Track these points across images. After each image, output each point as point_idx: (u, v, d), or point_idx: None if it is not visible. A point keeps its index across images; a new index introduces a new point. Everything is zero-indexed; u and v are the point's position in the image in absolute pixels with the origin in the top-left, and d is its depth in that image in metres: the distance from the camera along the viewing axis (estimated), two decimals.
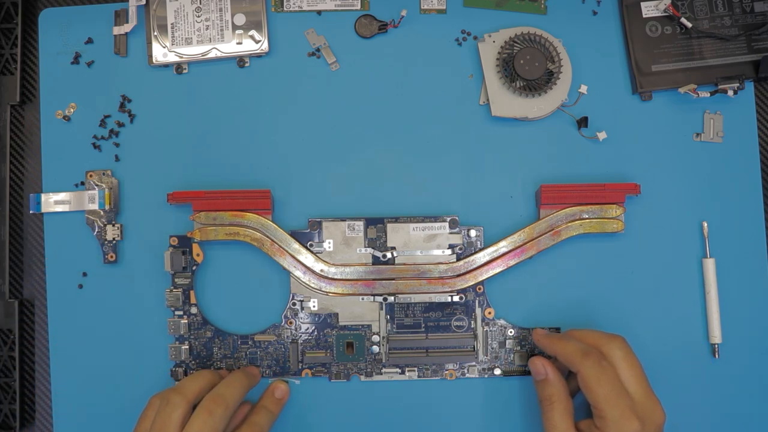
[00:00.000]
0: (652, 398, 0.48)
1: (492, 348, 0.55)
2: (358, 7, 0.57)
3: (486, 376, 0.55)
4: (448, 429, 0.55)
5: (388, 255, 0.55)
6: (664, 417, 0.48)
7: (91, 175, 0.56)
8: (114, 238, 0.55)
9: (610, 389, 0.47)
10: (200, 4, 0.56)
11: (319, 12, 0.57)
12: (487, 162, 0.57)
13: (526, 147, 0.57)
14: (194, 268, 0.55)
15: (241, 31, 0.56)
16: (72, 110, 0.56)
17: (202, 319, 0.55)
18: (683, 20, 0.56)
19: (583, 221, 0.54)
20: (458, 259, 0.55)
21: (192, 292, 0.55)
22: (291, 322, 0.55)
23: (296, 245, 0.54)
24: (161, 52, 0.56)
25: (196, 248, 0.55)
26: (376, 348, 0.55)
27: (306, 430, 0.55)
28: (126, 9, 0.56)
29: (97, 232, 0.56)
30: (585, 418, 0.50)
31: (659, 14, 0.56)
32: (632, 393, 0.48)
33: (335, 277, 0.55)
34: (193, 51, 0.56)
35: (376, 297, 0.55)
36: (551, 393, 0.50)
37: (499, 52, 0.56)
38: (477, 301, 0.55)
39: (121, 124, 0.56)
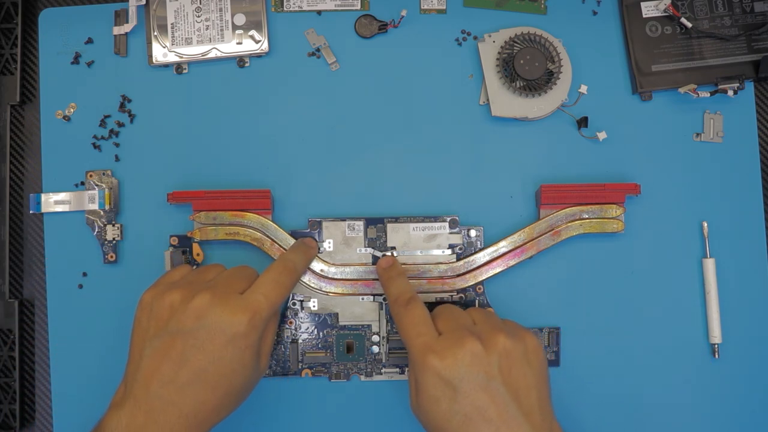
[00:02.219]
0: (456, 332, 0.45)
1: None
2: (358, 7, 0.57)
3: None
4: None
5: (388, 255, 0.55)
6: (476, 345, 0.44)
7: (91, 175, 0.56)
8: (114, 238, 0.55)
9: (411, 329, 0.46)
10: (200, 4, 0.56)
11: (319, 12, 0.57)
12: (487, 162, 0.57)
13: (526, 147, 0.57)
14: (194, 267, 0.55)
15: (241, 31, 0.56)
16: (72, 110, 0.56)
17: None
18: (683, 20, 0.56)
19: (583, 221, 0.54)
20: (458, 259, 0.55)
21: None
22: (291, 322, 0.55)
23: None
24: (161, 52, 0.56)
25: (196, 248, 0.55)
26: (376, 348, 0.55)
27: (306, 430, 0.55)
28: (126, 9, 0.56)
29: (97, 232, 0.56)
30: None
31: (659, 14, 0.56)
32: (442, 329, 0.46)
33: (335, 277, 0.55)
34: (193, 51, 0.56)
35: (376, 297, 0.55)
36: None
37: (499, 52, 0.56)
38: (477, 301, 0.55)
39: (121, 124, 0.56)
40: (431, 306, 0.52)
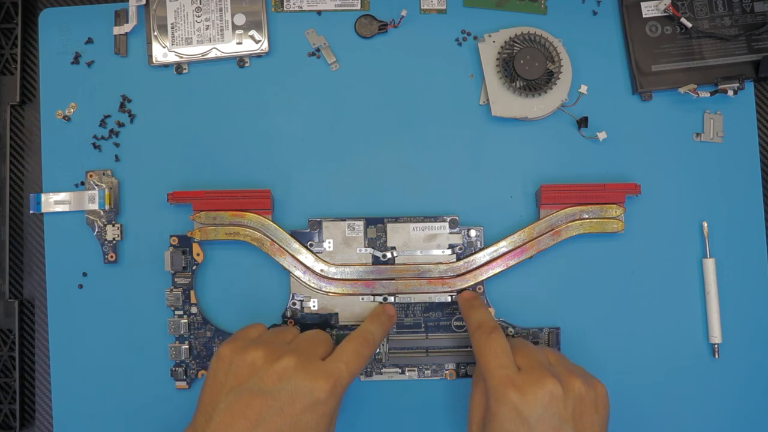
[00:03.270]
0: (537, 370, 0.46)
1: None
2: (358, 7, 0.57)
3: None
4: (448, 429, 0.55)
5: (388, 255, 0.55)
6: (556, 387, 0.45)
7: (91, 175, 0.56)
8: (114, 238, 0.55)
9: (492, 359, 0.46)
10: (200, 4, 0.56)
11: (319, 12, 0.57)
12: (487, 162, 0.57)
13: (526, 147, 0.57)
14: (194, 267, 0.55)
15: (241, 31, 0.56)
16: (72, 110, 0.56)
17: (202, 319, 0.55)
18: (683, 20, 0.56)
19: (583, 221, 0.54)
20: (458, 259, 0.55)
21: (192, 292, 0.55)
22: (291, 322, 0.55)
23: (296, 245, 0.54)
24: (161, 52, 0.56)
25: (196, 248, 0.55)
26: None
27: None
28: (126, 9, 0.56)
29: (97, 232, 0.56)
30: None
31: (659, 14, 0.56)
32: (520, 365, 0.46)
33: (335, 277, 0.55)
34: (193, 51, 0.56)
35: (376, 297, 0.55)
36: (476, 372, 0.50)
37: (499, 52, 0.56)
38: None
39: (121, 124, 0.56)
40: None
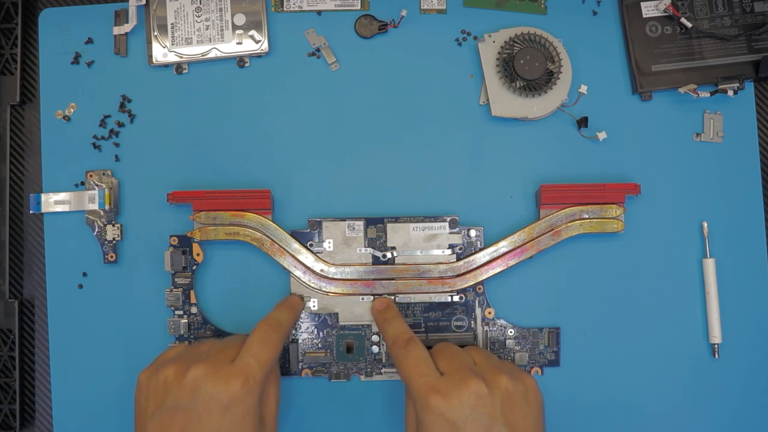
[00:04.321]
0: (459, 372, 0.46)
1: (492, 348, 0.55)
2: (358, 7, 0.57)
3: None
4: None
5: (388, 255, 0.55)
6: (480, 386, 0.45)
7: (91, 175, 0.56)
8: (114, 238, 0.55)
9: (412, 370, 0.46)
10: (200, 4, 0.56)
11: (319, 12, 0.57)
12: (487, 162, 0.57)
13: (526, 147, 0.57)
14: (194, 267, 0.55)
15: (241, 31, 0.56)
16: (72, 110, 0.56)
17: (202, 319, 0.55)
18: (683, 20, 0.56)
19: (583, 221, 0.54)
20: (458, 259, 0.55)
21: (192, 292, 0.55)
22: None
23: (296, 245, 0.54)
24: (161, 52, 0.56)
25: (196, 248, 0.55)
26: (376, 348, 0.55)
27: (306, 430, 0.55)
28: (126, 9, 0.56)
29: (97, 232, 0.56)
30: None
31: (659, 14, 0.56)
32: (443, 370, 0.46)
33: (335, 277, 0.55)
34: (193, 51, 0.56)
35: (376, 297, 0.55)
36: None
37: (499, 52, 0.56)
38: (477, 301, 0.55)
39: (121, 124, 0.56)
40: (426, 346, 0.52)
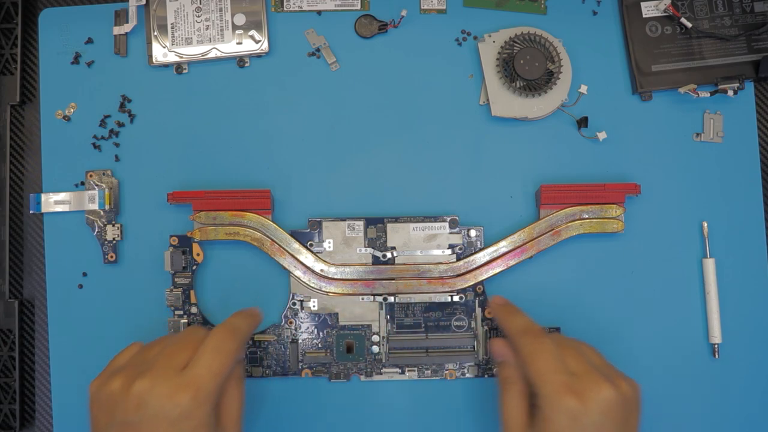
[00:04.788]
0: (592, 374, 0.45)
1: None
2: (358, 7, 0.57)
3: (486, 376, 0.55)
4: (447, 429, 0.55)
5: (388, 255, 0.55)
6: (612, 392, 0.44)
7: (91, 175, 0.56)
8: (114, 238, 0.55)
9: (544, 365, 0.45)
10: (200, 4, 0.56)
11: (319, 12, 0.57)
12: (487, 162, 0.57)
13: (526, 147, 0.57)
14: (194, 267, 0.55)
15: (241, 31, 0.56)
16: (72, 110, 0.56)
17: (202, 319, 0.55)
18: (683, 20, 0.56)
19: (583, 221, 0.54)
20: (458, 259, 0.55)
21: (192, 292, 0.55)
22: (291, 322, 0.55)
23: (296, 245, 0.54)
24: (161, 52, 0.56)
25: (196, 248, 0.55)
26: (376, 348, 0.55)
27: (306, 430, 0.55)
28: (126, 9, 0.56)
29: (97, 232, 0.56)
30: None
31: (659, 14, 0.56)
32: (573, 370, 0.46)
33: (335, 276, 0.55)
34: (193, 51, 0.56)
35: (376, 297, 0.55)
36: (508, 374, 0.49)
37: (499, 52, 0.56)
38: (477, 301, 0.55)
39: (121, 124, 0.56)
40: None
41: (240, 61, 0.57)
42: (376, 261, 0.55)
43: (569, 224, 0.54)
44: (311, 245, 0.55)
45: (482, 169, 0.56)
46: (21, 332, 0.56)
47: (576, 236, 0.54)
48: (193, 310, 0.55)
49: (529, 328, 0.48)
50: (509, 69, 0.55)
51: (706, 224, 0.56)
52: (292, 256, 0.54)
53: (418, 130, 0.57)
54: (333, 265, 0.55)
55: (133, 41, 0.57)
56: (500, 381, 0.49)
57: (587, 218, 0.54)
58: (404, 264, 0.55)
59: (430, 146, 0.57)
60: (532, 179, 0.56)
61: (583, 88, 0.57)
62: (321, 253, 0.55)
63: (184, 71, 0.57)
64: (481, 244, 0.55)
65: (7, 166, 0.57)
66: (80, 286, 0.56)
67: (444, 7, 0.57)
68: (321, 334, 0.55)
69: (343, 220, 0.55)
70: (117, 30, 0.56)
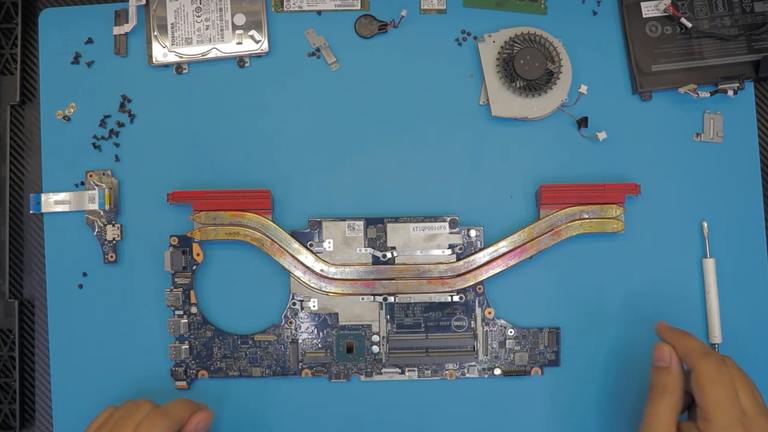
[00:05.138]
0: (762, 420, 0.45)
1: (492, 348, 0.55)
2: (358, 7, 0.57)
3: (486, 376, 0.55)
4: (448, 429, 0.55)
5: (388, 255, 0.55)
6: None
7: (91, 175, 0.56)
8: (114, 238, 0.55)
9: (724, 394, 0.45)
10: (200, 4, 0.56)
11: (319, 12, 0.57)
12: (487, 162, 0.57)
13: (526, 147, 0.57)
14: (194, 267, 0.55)
15: (241, 31, 0.56)
16: (72, 110, 0.56)
17: (202, 319, 0.55)
18: (683, 20, 0.56)
19: (583, 221, 0.54)
20: (458, 259, 0.55)
21: (192, 292, 0.55)
22: (291, 322, 0.55)
23: (296, 245, 0.54)
24: (161, 52, 0.56)
25: (196, 248, 0.55)
26: (376, 348, 0.55)
27: (306, 430, 0.55)
28: (126, 9, 0.56)
29: (97, 232, 0.56)
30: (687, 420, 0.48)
31: (659, 14, 0.56)
32: (745, 408, 0.45)
33: (335, 276, 0.55)
34: (193, 51, 0.56)
35: (376, 297, 0.55)
36: (667, 382, 0.48)
37: (499, 52, 0.56)
38: (477, 301, 0.55)
39: (121, 124, 0.56)
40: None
41: (240, 61, 0.57)
42: (376, 261, 0.55)
43: (569, 224, 0.54)
44: (311, 245, 0.55)
45: (482, 169, 0.56)
46: (21, 332, 0.56)
47: (576, 236, 0.54)
48: (193, 310, 0.55)
49: (710, 352, 0.47)
50: (509, 69, 0.55)
51: (706, 224, 0.56)
52: (292, 256, 0.54)
53: (418, 130, 0.57)
54: (333, 265, 0.55)
55: (133, 41, 0.57)
56: (655, 386, 0.48)
57: (587, 218, 0.54)
58: (404, 264, 0.55)
59: (430, 146, 0.57)
60: (532, 179, 0.56)
61: (583, 88, 0.57)
62: (321, 253, 0.55)
63: (184, 71, 0.57)
64: (481, 244, 0.55)
65: (7, 166, 0.57)
66: (80, 286, 0.56)
67: (444, 7, 0.57)
68: (321, 334, 0.55)
69: (343, 220, 0.55)
70: (117, 30, 0.56)
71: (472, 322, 0.55)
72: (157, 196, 0.56)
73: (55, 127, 0.56)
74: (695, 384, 0.46)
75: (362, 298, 0.55)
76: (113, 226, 0.55)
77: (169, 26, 0.56)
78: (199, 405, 0.52)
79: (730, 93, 0.55)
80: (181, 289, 0.55)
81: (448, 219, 0.55)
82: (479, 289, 0.55)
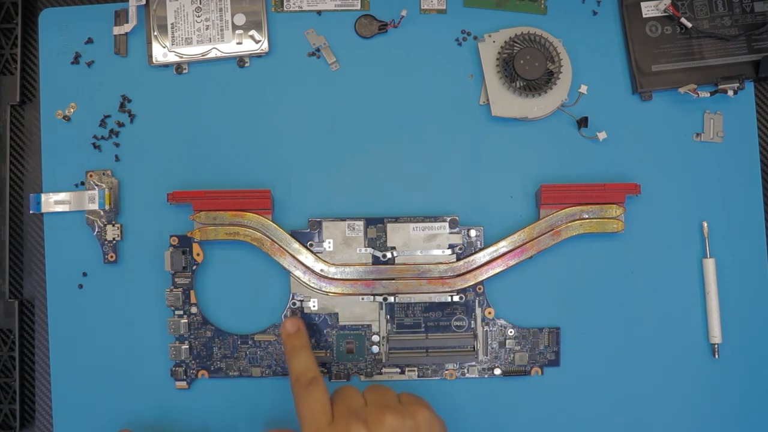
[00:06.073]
0: (344, 419, 0.46)
1: (492, 348, 0.55)
2: (358, 7, 0.57)
3: (486, 376, 0.55)
4: (447, 429, 0.55)
5: (388, 255, 0.55)
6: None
7: (91, 175, 0.56)
8: (114, 238, 0.55)
9: (306, 412, 0.46)
10: (200, 4, 0.56)
11: (319, 12, 0.57)
12: (487, 162, 0.57)
13: (526, 147, 0.57)
14: (194, 267, 0.55)
15: (241, 31, 0.56)
16: (72, 110, 0.56)
17: (202, 319, 0.55)
18: (683, 20, 0.56)
19: (583, 221, 0.54)
20: (458, 259, 0.55)
21: (192, 292, 0.55)
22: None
23: (296, 245, 0.54)
24: (161, 52, 0.56)
25: (196, 248, 0.55)
26: (376, 348, 0.55)
27: None
28: (126, 9, 0.56)
29: (97, 232, 0.56)
30: None
31: (659, 14, 0.56)
32: (334, 414, 0.46)
33: (335, 276, 0.55)
34: (193, 51, 0.56)
35: (376, 297, 0.55)
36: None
37: (499, 52, 0.56)
38: (477, 301, 0.55)
39: (121, 124, 0.56)
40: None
41: (240, 61, 0.57)
42: (376, 261, 0.55)
43: (569, 224, 0.54)
44: (311, 245, 0.55)
45: (482, 170, 0.56)
46: (21, 332, 0.56)
47: (576, 236, 0.54)
48: (193, 310, 0.55)
49: (301, 375, 0.49)
50: (509, 69, 0.55)
51: (706, 224, 0.56)
52: (292, 256, 0.54)
53: (418, 130, 0.57)
54: (333, 265, 0.55)
55: (133, 41, 0.57)
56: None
57: (587, 218, 0.54)
58: (404, 264, 0.55)
59: (430, 146, 0.57)
60: (532, 179, 0.56)
61: (583, 88, 0.57)
62: (321, 253, 0.55)
63: (184, 71, 0.57)
64: (481, 244, 0.55)
65: (7, 166, 0.57)
66: (80, 286, 0.56)
67: (444, 7, 0.57)
68: (321, 334, 0.55)
69: (343, 220, 0.55)
70: (117, 30, 0.56)
71: (472, 322, 0.55)
72: (157, 196, 0.56)
73: (55, 127, 0.56)
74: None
75: (362, 298, 0.55)
76: (113, 226, 0.55)
77: (169, 26, 0.56)
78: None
79: (730, 93, 0.55)
80: (181, 289, 0.55)
81: (448, 219, 0.55)
82: (479, 289, 0.55)
